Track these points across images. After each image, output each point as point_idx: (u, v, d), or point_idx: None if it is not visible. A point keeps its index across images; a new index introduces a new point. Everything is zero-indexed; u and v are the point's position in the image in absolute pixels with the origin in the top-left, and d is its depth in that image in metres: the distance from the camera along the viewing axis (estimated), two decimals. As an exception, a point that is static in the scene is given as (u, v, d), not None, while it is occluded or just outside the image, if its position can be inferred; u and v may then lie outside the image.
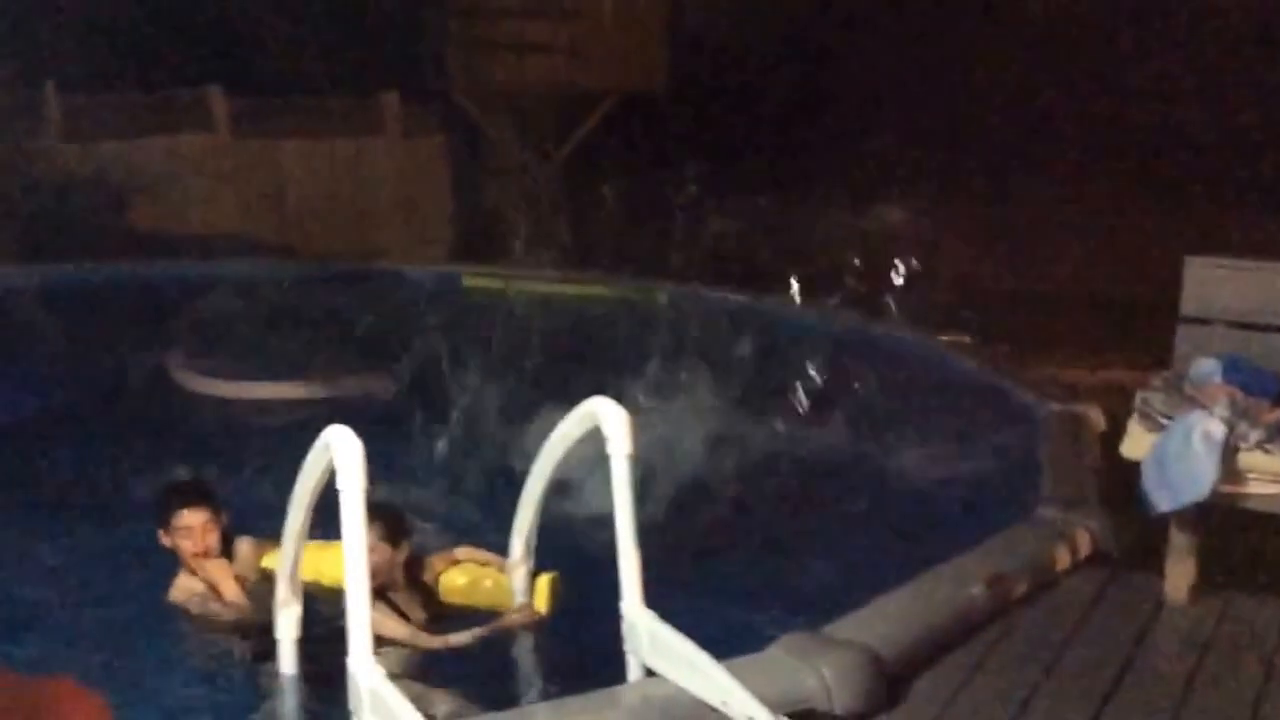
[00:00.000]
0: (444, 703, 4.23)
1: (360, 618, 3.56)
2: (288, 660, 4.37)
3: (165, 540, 4.96)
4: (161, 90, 13.61)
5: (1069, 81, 14.22)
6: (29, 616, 4.95)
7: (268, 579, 4.81)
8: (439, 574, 5.06)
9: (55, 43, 12.25)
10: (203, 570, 4.93)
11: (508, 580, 4.97)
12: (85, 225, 11.73)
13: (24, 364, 8.70)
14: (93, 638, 4.77)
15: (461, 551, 5.16)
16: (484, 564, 5.10)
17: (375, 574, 4.05)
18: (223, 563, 4.98)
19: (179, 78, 13.55)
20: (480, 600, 5.01)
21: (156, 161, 13.36)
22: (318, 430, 3.84)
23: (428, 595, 4.95)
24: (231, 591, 4.91)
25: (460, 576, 5.09)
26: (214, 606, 4.89)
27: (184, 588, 4.95)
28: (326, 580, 4.62)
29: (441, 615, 4.88)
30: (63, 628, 4.90)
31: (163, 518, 4.96)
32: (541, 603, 4.86)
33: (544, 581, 4.88)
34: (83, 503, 6.39)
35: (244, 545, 5.08)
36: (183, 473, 5.92)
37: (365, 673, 3.52)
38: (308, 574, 4.55)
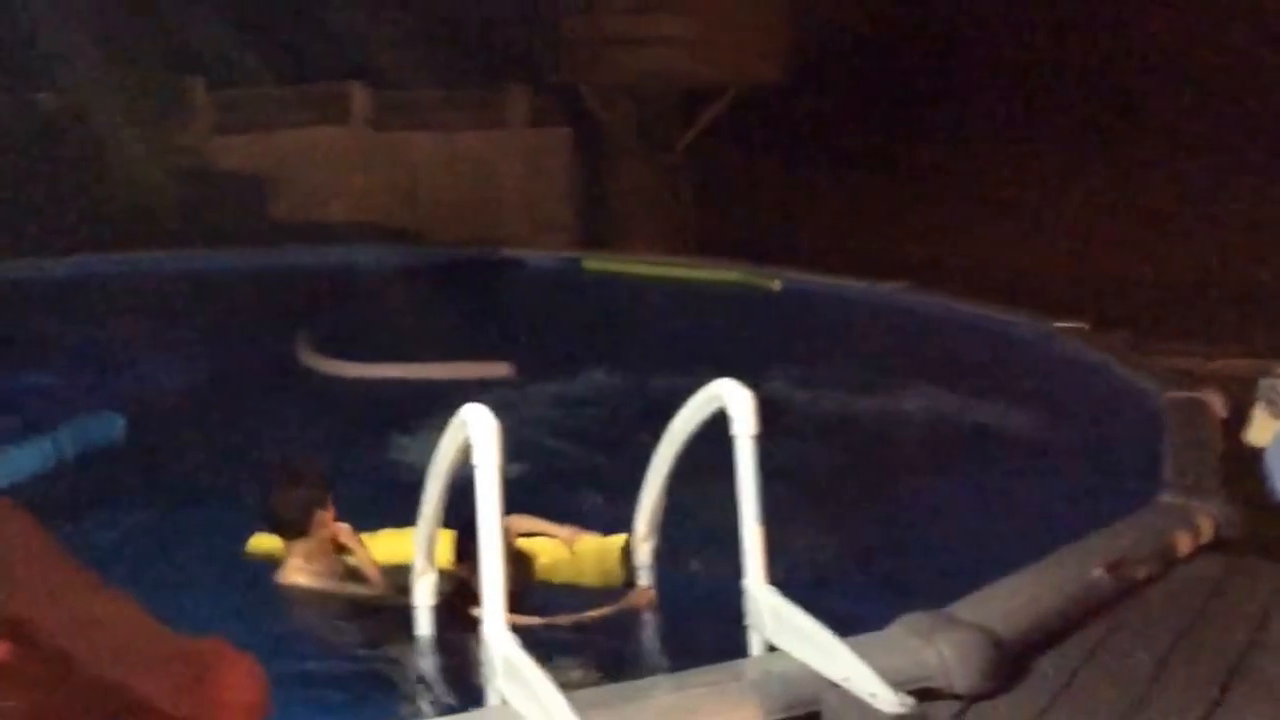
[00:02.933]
0: (569, 674, 4.32)
1: (495, 589, 3.66)
2: (425, 624, 4.59)
3: (327, 520, 4.94)
4: (302, 85, 14.05)
5: (1187, 70, 13.93)
6: (162, 587, 4.92)
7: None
8: (515, 553, 5.01)
9: (203, 40, 12.69)
10: (356, 550, 5.08)
11: (580, 557, 5.09)
12: (230, 214, 12.15)
13: (179, 345, 9.01)
14: (225, 608, 4.80)
15: (523, 521, 5.18)
16: (549, 535, 5.18)
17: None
18: (361, 539, 5.14)
19: (319, 73, 13.97)
20: (560, 578, 5.13)
21: (297, 153, 13.81)
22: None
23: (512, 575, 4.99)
24: (375, 568, 5.06)
25: (539, 554, 5.18)
26: (345, 585, 4.99)
27: (307, 571, 4.96)
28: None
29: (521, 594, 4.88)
30: (192, 599, 4.83)
31: (335, 499, 5.00)
32: (614, 563, 4.96)
33: (615, 542, 5.01)
34: (218, 477, 6.58)
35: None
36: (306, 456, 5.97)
37: (500, 640, 3.62)
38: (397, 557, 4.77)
